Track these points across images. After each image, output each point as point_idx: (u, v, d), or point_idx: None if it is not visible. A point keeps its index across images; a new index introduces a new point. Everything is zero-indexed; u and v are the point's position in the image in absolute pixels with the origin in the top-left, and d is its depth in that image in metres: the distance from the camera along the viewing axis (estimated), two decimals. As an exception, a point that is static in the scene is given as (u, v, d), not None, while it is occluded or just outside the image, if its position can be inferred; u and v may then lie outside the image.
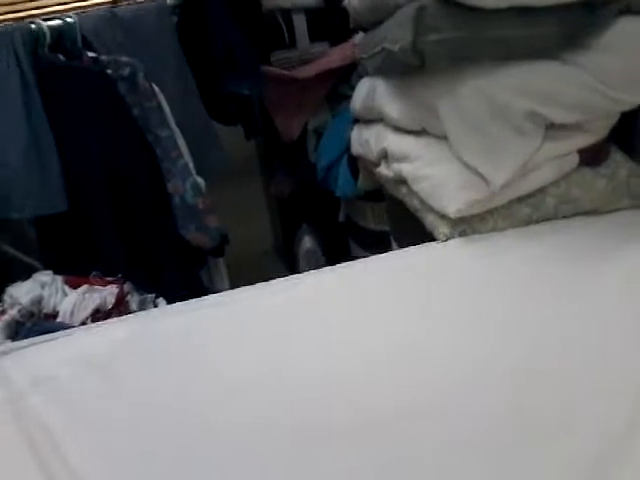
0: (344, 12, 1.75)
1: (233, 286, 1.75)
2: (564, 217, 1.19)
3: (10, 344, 1.12)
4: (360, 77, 1.67)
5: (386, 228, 1.83)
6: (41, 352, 1.04)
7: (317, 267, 2.14)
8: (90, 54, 1.57)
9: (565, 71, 1.14)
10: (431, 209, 1.24)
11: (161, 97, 1.50)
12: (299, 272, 2.20)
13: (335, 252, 2.11)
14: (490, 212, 1.19)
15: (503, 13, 1.09)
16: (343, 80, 2.01)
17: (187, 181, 1.51)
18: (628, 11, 1.08)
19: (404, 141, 1.35)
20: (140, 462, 0.76)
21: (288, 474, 0.72)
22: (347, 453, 0.73)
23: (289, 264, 2.38)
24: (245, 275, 1.95)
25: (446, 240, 1.18)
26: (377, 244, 1.90)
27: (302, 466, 0.73)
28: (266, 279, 1.28)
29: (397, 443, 0.73)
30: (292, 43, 2.16)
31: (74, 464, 0.76)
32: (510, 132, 1.16)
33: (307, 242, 2.19)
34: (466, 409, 0.78)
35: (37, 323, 1.38)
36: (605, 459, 0.67)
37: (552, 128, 1.19)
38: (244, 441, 0.77)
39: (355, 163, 1.73)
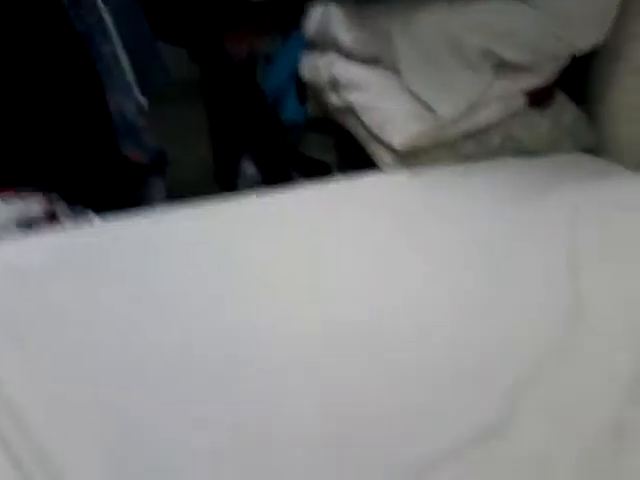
0: None
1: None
2: (510, 155, 1.21)
3: None
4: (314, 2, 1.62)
5: (331, 159, 1.82)
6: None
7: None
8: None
9: (521, 10, 1.14)
10: (378, 140, 1.24)
11: (104, 12, 1.41)
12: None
13: (277, 180, 2.09)
14: (436, 146, 1.20)
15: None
16: (297, 6, 1.94)
17: (129, 99, 1.44)
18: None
19: (356, 70, 1.33)
20: (75, 383, 0.73)
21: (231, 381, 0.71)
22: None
23: (229, 190, 2.34)
24: (187, 199, 1.92)
25: (390, 170, 1.18)
26: (321, 174, 1.89)
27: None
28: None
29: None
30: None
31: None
32: (462, 67, 1.16)
33: (248, 168, 2.15)
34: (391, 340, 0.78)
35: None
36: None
37: (502, 67, 1.19)
38: (185, 359, 0.76)
39: (304, 89, 1.70)
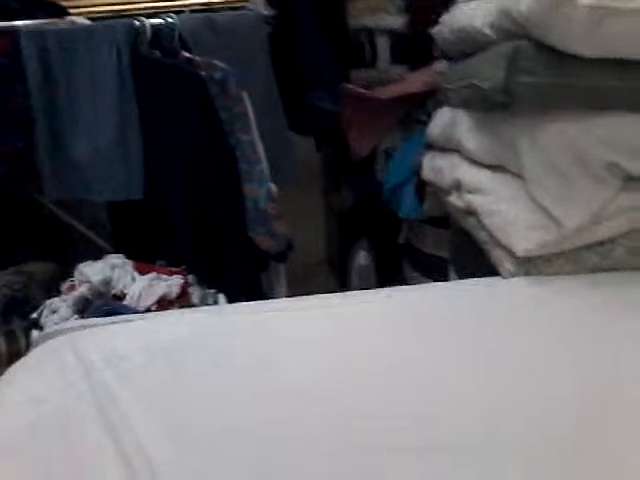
0: (427, 38, 1.79)
1: (288, 292, 1.81)
2: (632, 269, 1.20)
3: (86, 321, 1.18)
4: (439, 105, 1.71)
5: (443, 254, 1.85)
6: (115, 333, 1.10)
7: (368, 284, 2.20)
8: (185, 54, 1.64)
9: (651, 126, 1.15)
10: (499, 244, 1.26)
11: (248, 104, 1.56)
12: (350, 286, 2.26)
13: (389, 271, 2.14)
14: (557, 255, 1.20)
15: (598, 63, 1.12)
16: (418, 105, 2.04)
17: (262, 186, 1.57)
18: None
19: (479, 174, 1.38)
20: (205, 449, 0.80)
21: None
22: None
23: (340, 277, 2.42)
24: (298, 283, 2.00)
25: (510, 277, 1.20)
26: (432, 269, 1.92)
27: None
28: (317, 289, 1.32)
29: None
30: (372, 63, 2.21)
31: (141, 436, 0.81)
32: (588, 179, 1.18)
33: (362, 257, 2.22)
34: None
35: (105, 303, 1.46)
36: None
37: (630, 180, 1.20)
38: (299, 438, 0.80)
39: (422, 187, 1.77)
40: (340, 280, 2.41)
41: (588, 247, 1.21)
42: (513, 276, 1.20)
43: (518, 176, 1.28)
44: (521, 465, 0.76)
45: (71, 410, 0.87)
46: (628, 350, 0.97)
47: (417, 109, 2.05)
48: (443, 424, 0.83)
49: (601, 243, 1.21)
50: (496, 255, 1.26)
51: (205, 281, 1.60)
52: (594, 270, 1.20)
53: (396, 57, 2.23)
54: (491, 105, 1.27)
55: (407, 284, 2.01)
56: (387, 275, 2.12)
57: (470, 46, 1.44)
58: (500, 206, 1.29)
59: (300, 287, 1.66)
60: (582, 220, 1.17)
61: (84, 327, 1.15)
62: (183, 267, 1.60)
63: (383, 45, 2.24)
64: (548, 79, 1.13)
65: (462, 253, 1.60)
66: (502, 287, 1.18)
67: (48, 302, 1.55)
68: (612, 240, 1.22)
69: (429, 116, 1.78)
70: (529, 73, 1.13)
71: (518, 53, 1.16)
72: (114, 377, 0.95)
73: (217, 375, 0.95)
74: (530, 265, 1.20)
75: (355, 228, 2.30)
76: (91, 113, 1.64)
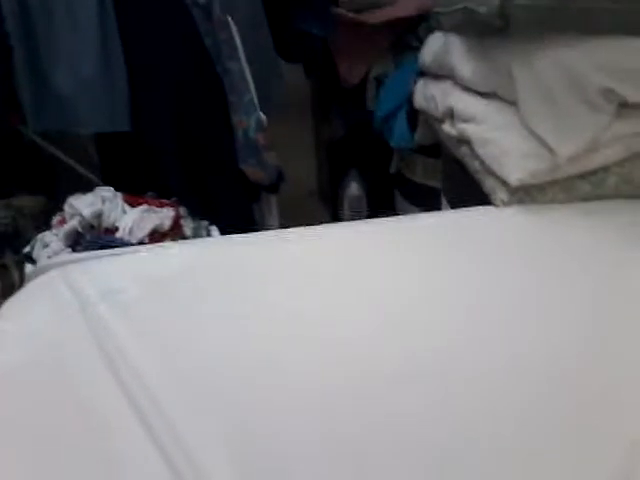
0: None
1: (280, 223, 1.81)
2: (624, 197, 1.21)
3: (80, 255, 1.18)
4: (431, 30, 1.66)
5: (434, 184, 1.84)
6: (109, 266, 1.09)
7: (360, 214, 2.20)
8: (168, -22, 1.57)
9: (648, 51, 1.13)
10: (492, 173, 1.26)
11: (234, 30, 1.51)
12: (341, 217, 2.26)
13: (380, 201, 2.14)
14: (550, 184, 1.20)
15: (596, -15, 1.08)
16: (410, 30, 1.99)
17: (252, 116, 1.53)
18: None
19: (473, 102, 1.36)
20: (202, 378, 0.82)
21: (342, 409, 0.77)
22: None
23: (332, 207, 2.41)
24: (289, 214, 2.00)
25: (503, 206, 1.20)
26: (424, 199, 1.92)
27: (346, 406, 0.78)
28: (309, 220, 1.32)
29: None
30: (363, -14, 2.13)
31: (140, 367, 0.82)
32: (583, 106, 1.16)
33: (353, 188, 2.21)
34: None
35: (97, 236, 1.45)
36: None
37: (625, 107, 1.18)
38: (302, 367, 0.82)
39: (415, 116, 1.74)
40: (332, 211, 2.41)
41: (581, 176, 1.21)
42: (506, 205, 1.20)
43: (512, 104, 1.26)
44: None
45: (68, 343, 0.88)
46: (618, 277, 0.99)
47: (409, 34, 2.00)
48: (435, 354, 0.85)
49: (594, 172, 1.21)
50: (489, 184, 1.26)
51: (197, 213, 1.59)
52: (587, 199, 1.20)
53: (387, -21, 2.16)
54: (486, 29, 1.23)
55: (399, 214, 2.02)
56: (379, 205, 2.12)
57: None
58: (494, 135, 1.27)
59: (291, 218, 1.65)
60: (577, 148, 1.16)
61: (77, 260, 1.15)
62: (174, 199, 1.59)
63: (373, -34, 2.16)
64: (544, 1, 1.09)
65: (454, 182, 1.59)
66: (495, 216, 1.19)
67: (39, 236, 1.54)
68: (605, 169, 1.21)
69: (421, 42, 1.73)
70: (525, -5, 1.10)
71: (515, -26, 1.12)
72: (109, 310, 0.95)
73: (209, 306, 0.96)
74: (523, 194, 1.20)
75: (346, 158, 2.28)
76: (71, 41, 1.58)
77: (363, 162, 2.21)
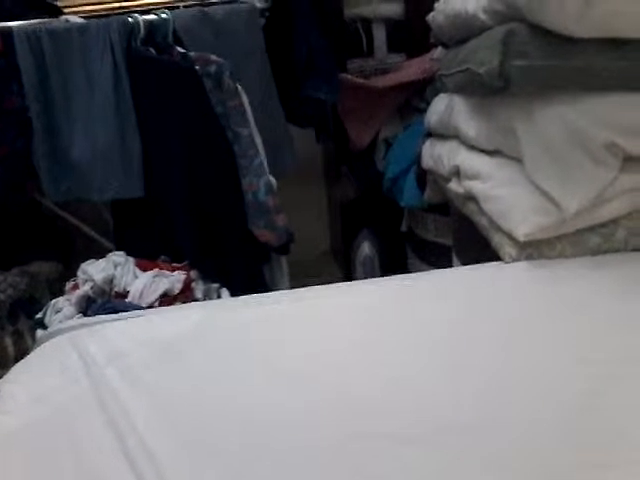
0: (423, 25, 1.78)
1: (292, 284, 1.81)
2: (634, 250, 1.19)
3: (88, 319, 1.19)
4: (436, 92, 1.69)
5: (446, 242, 1.84)
6: (116, 330, 1.10)
7: (373, 274, 2.20)
8: (180, 50, 1.64)
9: (649, 104, 1.14)
10: (499, 229, 1.25)
11: (244, 97, 1.56)
12: (354, 276, 2.26)
13: (392, 260, 2.14)
14: (559, 238, 1.20)
15: (593, 43, 1.11)
16: (417, 93, 2.03)
17: (261, 179, 1.56)
18: None
19: (478, 160, 1.37)
20: (206, 446, 0.80)
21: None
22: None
23: (344, 267, 2.42)
24: (301, 274, 2.01)
25: (512, 262, 1.20)
26: (436, 256, 1.92)
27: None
28: (321, 281, 1.32)
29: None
30: (370, 52, 2.20)
31: (142, 431, 0.82)
32: (587, 161, 1.17)
33: (366, 248, 2.22)
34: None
35: (108, 301, 1.46)
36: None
37: (630, 160, 1.19)
38: (303, 433, 0.80)
39: (423, 176, 1.76)
40: (345, 271, 2.41)
41: (590, 229, 1.20)
42: (515, 261, 1.20)
43: (517, 160, 1.27)
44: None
45: (74, 407, 0.88)
46: (633, 331, 0.97)
47: (415, 97, 2.04)
48: (446, 407, 0.83)
49: (603, 225, 1.21)
50: (497, 240, 1.26)
51: (208, 276, 1.60)
52: (596, 252, 1.19)
53: (393, 45, 2.23)
54: (487, 90, 1.26)
55: (411, 272, 2.01)
56: (391, 264, 2.12)
57: (465, 32, 1.42)
58: (499, 191, 1.28)
59: (305, 279, 1.66)
60: (583, 202, 1.16)
61: (86, 325, 1.15)
62: (186, 263, 1.60)
63: (380, 33, 2.23)
64: (543, 61, 1.12)
65: (464, 239, 1.59)
66: (504, 272, 1.18)
67: (52, 302, 1.55)
68: (614, 222, 1.21)
69: (428, 104, 1.76)
70: (523, 56, 1.12)
71: (512, 36, 1.15)
72: (115, 373, 0.95)
73: (218, 368, 0.95)
74: (532, 249, 1.20)
75: (358, 218, 2.30)
76: (87, 112, 1.64)
77: (375, 222, 2.23)
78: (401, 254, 2.12)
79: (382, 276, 2.05)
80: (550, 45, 1.12)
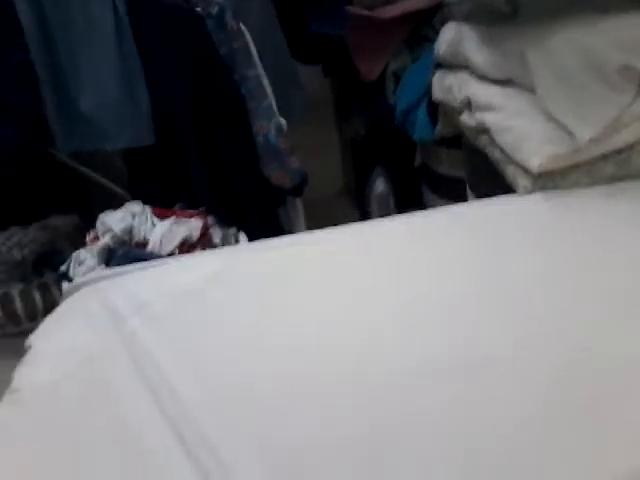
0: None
1: (309, 225, 1.82)
2: (650, 176, 1.18)
3: (111, 270, 1.21)
4: (445, 20, 1.65)
5: (460, 175, 1.83)
6: (139, 280, 1.12)
7: (388, 210, 2.20)
8: (181, -10, 1.60)
9: (665, 25, 1.10)
10: (513, 161, 1.24)
11: (248, 37, 1.53)
12: (370, 215, 2.26)
13: (407, 196, 2.13)
14: (573, 167, 1.18)
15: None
16: (425, 22, 1.97)
17: (271, 121, 1.55)
18: None
19: (489, 90, 1.35)
20: (233, 389, 0.83)
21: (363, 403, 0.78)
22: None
23: (360, 206, 2.42)
24: (317, 215, 2.01)
25: (526, 193, 1.19)
26: (451, 190, 1.91)
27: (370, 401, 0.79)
28: (337, 220, 1.32)
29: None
30: (376, -19, 2.13)
31: (171, 379, 0.84)
32: (601, 86, 1.14)
33: (379, 185, 2.21)
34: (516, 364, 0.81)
35: (129, 251, 1.49)
36: None
37: (645, 84, 1.16)
38: (329, 373, 0.83)
39: (435, 108, 1.73)
40: (360, 209, 2.41)
41: (604, 157, 1.19)
42: (529, 192, 1.19)
43: (529, 89, 1.25)
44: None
45: (101, 358, 0.91)
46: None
47: (424, 26, 1.98)
48: (469, 343, 0.85)
49: (618, 152, 1.19)
50: (511, 172, 1.25)
51: (225, 221, 1.62)
52: (612, 180, 1.18)
53: (399, -27, 2.15)
54: (496, 16, 1.22)
55: (426, 208, 2.01)
56: (406, 200, 2.11)
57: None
58: (512, 122, 1.26)
59: (320, 219, 1.67)
60: (597, 130, 1.14)
61: (109, 277, 1.18)
62: (202, 209, 1.62)
63: (385, -39, 2.15)
64: (553, -16, 1.08)
65: (478, 173, 1.58)
66: (518, 204, 1.17)
67: (75, 254, 1.58)
68: (629, 148, 1.19)
69: (437, 33, 1.72)
70: (533, -21, 1.09)
71: (521, -41, 1.11)
72: (140, 323, 0.98)
73: (240, 314, 0.98)
74: (546, 179, 1.19)
75: (370, 155, 2.28)
76: (93, 63, 1.62)
77: (388, 158, 2.20)
78: (416, 189, 2.11)
79: (398, 213, 2.05)
80: (560, -34, 1.08)
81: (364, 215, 2.31)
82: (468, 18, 1.41)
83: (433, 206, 1.99)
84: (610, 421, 0.70)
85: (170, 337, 0.94)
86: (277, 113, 1.57)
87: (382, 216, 2.08)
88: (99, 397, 0.84)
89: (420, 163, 2.01)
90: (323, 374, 0.83)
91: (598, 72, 1.14)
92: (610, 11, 1.11)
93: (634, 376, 0.75)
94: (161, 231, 1.47)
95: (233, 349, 0.89)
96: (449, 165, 1.90)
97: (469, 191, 1.66)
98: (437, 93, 1.62)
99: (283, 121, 1.61)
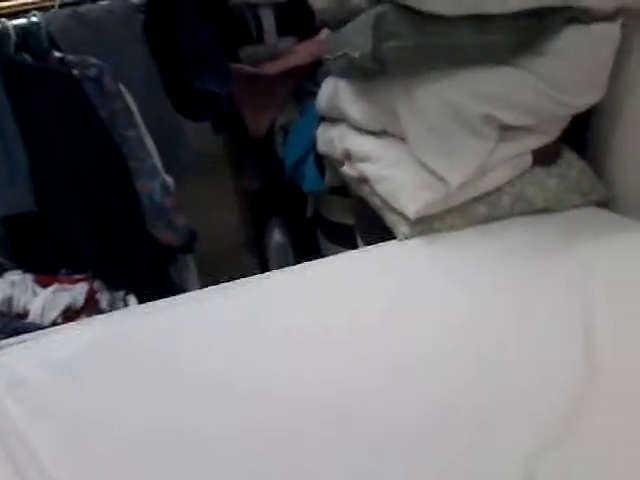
0: (309, 6, 1.78)
1: (207, 280, 1.79)
2: (520, 214, 1.25)
3: (-18, 346, 1.13)
4: (326, 75, 1.70)
5: (351, 223, 1.87)
6: (13, 355, 1.06)
7: (287, 260, 2.20)
8: (57, 54, 1.57)
9: (518, 76, 1.19)
10: (392, 208, 1.28)
11: (128, 98, 1.52)
12: (269, 265, 2.25)
13: (304, 245, 2.15)
14: (448, 211, 1.24)
15: (459, 21, 1.14)
16: (309, 77, 2.03)
17: (156, 180, 1.53)
18: (574, 20, 1.13)
19: (366, 142, 1.39)
20: (104, 462, 0.79)
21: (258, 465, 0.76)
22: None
23: (260, 257, 2.41)
24: (218, 269, 1.98)
25: (405, 239, 1.23)
26: (345, 238, 1.94)
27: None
28: (239, 273, 1.31)
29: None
30: (260, 38, 2.18)
31: (37, 452, 0.80)
32: (466, 134, 1.21)
33: (276, 235, 2.22)
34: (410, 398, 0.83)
35: (8, 322, 1.40)
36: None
37: (507, 130, 1.24)
38: (209, 439, 0.81)
39: (321, 160, 1.77)
40: (260, 260, 2.41)
41: (476, 200, 1.25)
42: (408, 238, 1.23)
43: (402, 139, 1.30)
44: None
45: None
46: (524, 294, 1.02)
47: (308, 81, 2.04)
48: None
49: (488, 194, 1.26)
50: (391, 219, 1.29)
51: (113, 284, 1.57)
52: (485, 220, 1.24)
53: (282, 29, 2.21)
54: (366, 73, 1.27)
55: (323, 256, 2.03)
56: (304, 249, 2.13)
57: (342, 13, 1.44)
58: (388, 171, 1.31)
59: (220, 272, 1.64)
60: (466, 174, 1.20)
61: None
62: (88, 273, 1.56)
63: (268, 18, 2.20)
64: (412, 41, 1.14)
65: (365, 220, 1.61)
66: (396, 250, 1.21)
67: (-50, 329, 1.48)
68: (498, 189, 1.26)
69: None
70: (394, 37, 1.15)
71: (382, 18, 1.17)
72: (13, 402, 0.92)
73: (112, 385, 0.94)
74: (424, 225, 1.23)
75: (266, 207, 2.29)
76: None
77: (283, 209, 2.23)
78: (312, 238, 2.13)
79: (296, 262, 2.06)
80: (419, 24, 1.14)
81: (265, 267, 2.31)
82: (343, 74, 1.47)
83: (330, 253, 2.02)
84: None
85: (43, 415, 0.89)
86: (162, 172, 1.56)
87: (281, 266, 2.08)
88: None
89: (314, 212, 2.04)
90: (215, 446, 0.80)
91: (462, 122, 1.21)
92: (467, 65, 1.18)
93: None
94: (42, 300, 1.40)
95: (103, 420, 0.85)
96: (341, 213, 1.94)
97: (359, 238, 1.69)
98: (321, 145, 1.66)
99: (169, 179, 1.59)
